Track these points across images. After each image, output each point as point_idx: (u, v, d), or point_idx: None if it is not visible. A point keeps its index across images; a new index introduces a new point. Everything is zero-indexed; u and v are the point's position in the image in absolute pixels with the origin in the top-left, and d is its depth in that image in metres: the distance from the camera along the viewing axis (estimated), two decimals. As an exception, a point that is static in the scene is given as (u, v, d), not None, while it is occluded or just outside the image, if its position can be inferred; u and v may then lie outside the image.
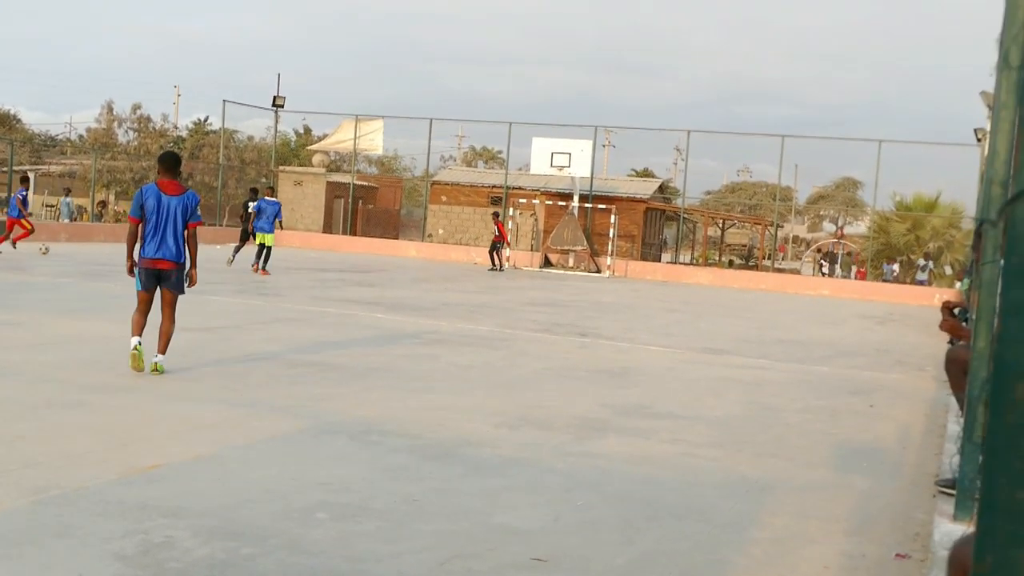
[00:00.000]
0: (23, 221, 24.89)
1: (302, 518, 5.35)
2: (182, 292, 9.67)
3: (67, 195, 40.20)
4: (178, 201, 9.40)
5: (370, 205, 47.15)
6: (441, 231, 42.78)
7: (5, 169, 38.01)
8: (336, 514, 5.46)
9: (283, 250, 37.07)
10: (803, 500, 6.61)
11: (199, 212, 9.50)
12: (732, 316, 21.86)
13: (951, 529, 5.31)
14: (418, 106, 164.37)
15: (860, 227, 64.79)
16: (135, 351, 9.37)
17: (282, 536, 5.04)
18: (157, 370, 9.39)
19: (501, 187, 41.71)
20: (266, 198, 24.60)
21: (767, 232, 48.87)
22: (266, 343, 11.94)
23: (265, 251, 23.46)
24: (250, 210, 25.26)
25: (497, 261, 34.56)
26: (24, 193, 25.00)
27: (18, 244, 25.25)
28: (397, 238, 45.77)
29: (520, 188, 42.01)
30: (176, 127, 64.24)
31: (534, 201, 40.34)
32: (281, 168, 46.62)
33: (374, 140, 43.33)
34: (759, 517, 6.12)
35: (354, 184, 44.32)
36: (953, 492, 5.78)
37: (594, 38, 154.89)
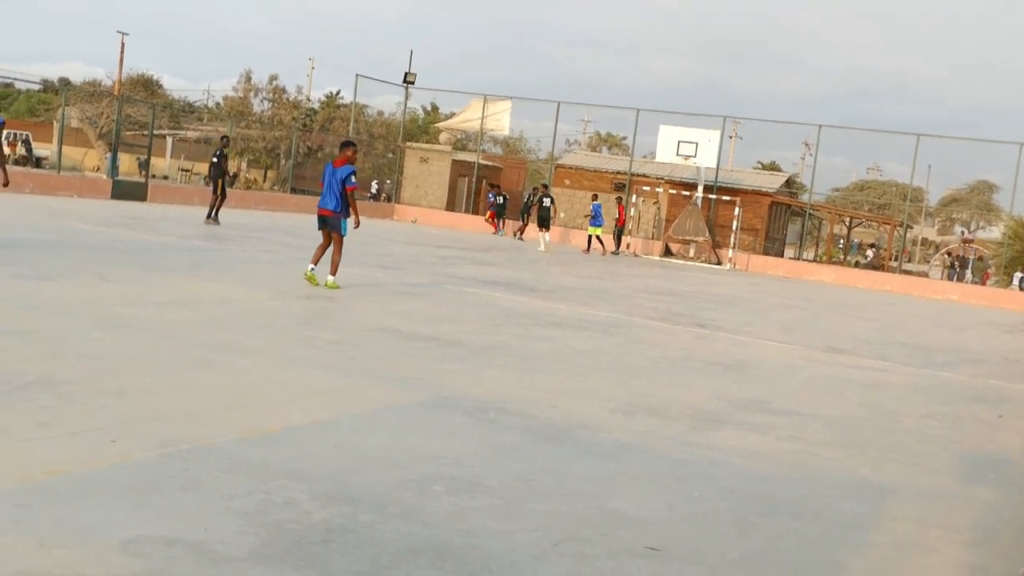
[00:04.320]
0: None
1: (418, 489, 5.39)
2: (341, 233, 13.80)
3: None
4: (340, 171, 13.71)
5: (496, 185, 47.59)
6: (563, 214, 42.61)
7: (146, 133, 39.15)
8: (451, 488, 5.50)
9: (402, 225, 37.58)
10: (924, 507, 6.42)
11: (352, 179, 13.72)
12: (854, 316, 21.35)
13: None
14: (545, 88, 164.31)
15: (993, 232, 62.58)
16: (308, 274, 13.84)
17: (398, 505, 5.09)
18: (328, 285, 13.66)
19: (625, 173, 41.57)
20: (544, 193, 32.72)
21: (895, 233, 47.53)
22: (385, 316, 12.09)
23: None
24: (536, 201, 33.23)
25: (613, 245, 35.22)
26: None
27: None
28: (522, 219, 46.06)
29: (644, 175, 41.82)
30: (309, 99, 65.42)
31: (657, 189, 39.92)
32: (408, 144, 47.15)
33: (501, 120, 43.84)
34: (879, 521, 5.96)
35: (479, 163, 44.41)
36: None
37: (724, 27, 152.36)
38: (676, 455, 6.92)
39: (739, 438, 7.71)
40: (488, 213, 40.49)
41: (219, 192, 24.79)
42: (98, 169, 52.08)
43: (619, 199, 36.00)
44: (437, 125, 55.47)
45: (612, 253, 34.60)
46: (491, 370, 9.31)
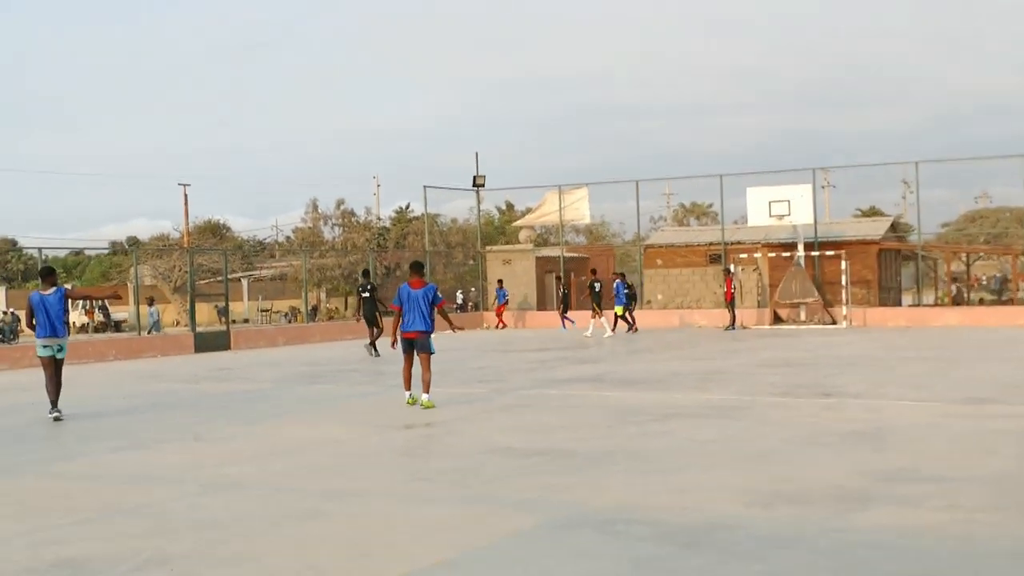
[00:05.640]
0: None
1: (558, 621, 5.32)
2: (430, 351, 14.50)
3: (151, 304, 41.24)
4: (422, 292, 14.36)
5: (583, 277, 47.43)
6: (660, 296, 42.37)
7: (221, 279, 40.26)
8: (592, 615, 5.41)
9: (493, 333, 37.76)
10: (1111, 566, 6.14)
11: (438, 295, 14.58)
12: (991, 359, 20.78)
13: None
14: (622, 167, 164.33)
15: None
16: (409, 400, 14.73)
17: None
18: (424, 405, 14.36)
19: (719, 244, 40.97)
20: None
21: (1019, 261, 46.38)
22: (493, 433, 12.11)
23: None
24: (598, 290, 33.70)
25: (731, 319, 35.23)
26: None
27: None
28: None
29: (739, 243, 41.32)
30: (379, 218, 66.63)
31: (756, 255, 39.40)
32: (488, 248, 47.39)
33: (580, 209, 43.80)
34: (1062, 589, 5.72)
35: (563, 256, 44.57)
36: None
37: (803, 75, 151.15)
38: (827, 544, 6.75)
39: (891, 515, 7.50)
40: (497, 307, 41.99)
41: (378, 325, 26.50)
42: (177, 324, 53.48)
43: (727, 271, 35.93)
44: (515, 224, 55.60)
45: (729, 328, 34.75)
46: (612, 477, 9.23)
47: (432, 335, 14.53)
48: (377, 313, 26.63)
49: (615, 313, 34.09)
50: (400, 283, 15.62)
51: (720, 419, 12.78)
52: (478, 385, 17.75)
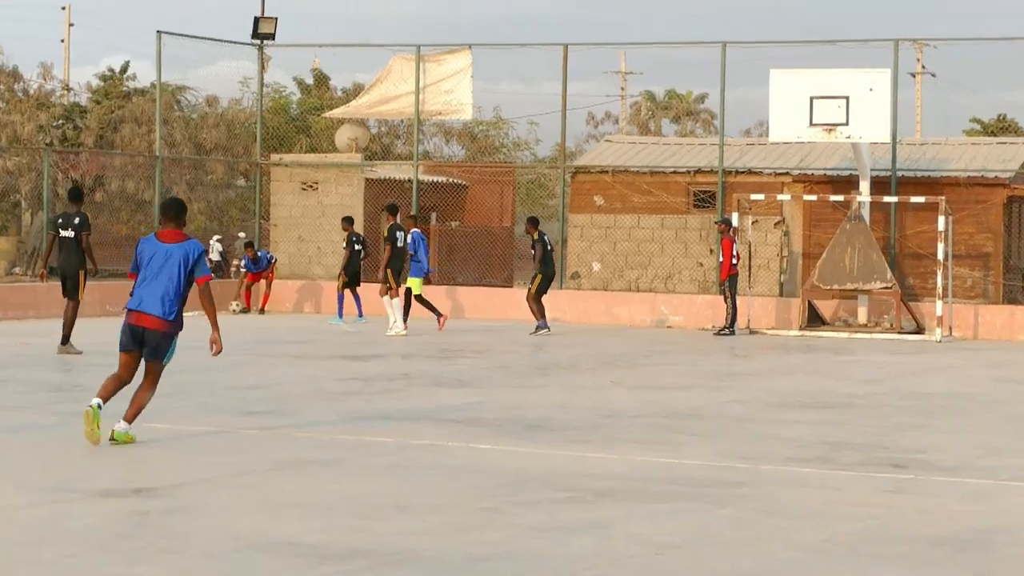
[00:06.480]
0: None
1: None
2: (164, 360, 9.57)
3: None
4: (180, 252, 9.42)
5: (453, 222, 29.58)
6: (597, 266, 26.61)
7: None
8: None
9: (280, 319, 25.05)
10: None
11: (206, 264, 9.70)
12: None
13: None
14: (537, 21, 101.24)
15: None
16: (90, 418, 9.08)
17: None
18: (120, 439, 9.28)
19: (711, 171, 25.70)
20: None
21: None
22: (266, 513, 7.28)
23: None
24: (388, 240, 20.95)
25: (728, 314, 22.42)
26: None
27: None
28: (511, 284, 29.08)
29: (750, 172, 25.78)
30: (68, 88, 42.76)
31: (780, 196, 24.61)
32: (277, 158, 30.11)
33: (455, 92, 26.63)
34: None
35: (418, 182, 26.93)
36: None
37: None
38: None
39: None
40: (245, 276, 25.56)
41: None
42: None
43: (725, 223, 22.90)
44: (329, 114, 32.24)
45: (726, 331, 22.10)
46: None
47: (178, 331, 9.53)
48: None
49: (409, 289, 21.27)
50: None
51: (690, 502, 7.98)
52: (243, 418, 11.64)
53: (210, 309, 9.45)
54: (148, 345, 9.24)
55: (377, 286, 21.11)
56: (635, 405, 13.23)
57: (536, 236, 21.52)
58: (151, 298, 9.15)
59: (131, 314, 9.24)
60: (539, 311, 21.17)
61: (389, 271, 20.40)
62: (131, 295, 9.27)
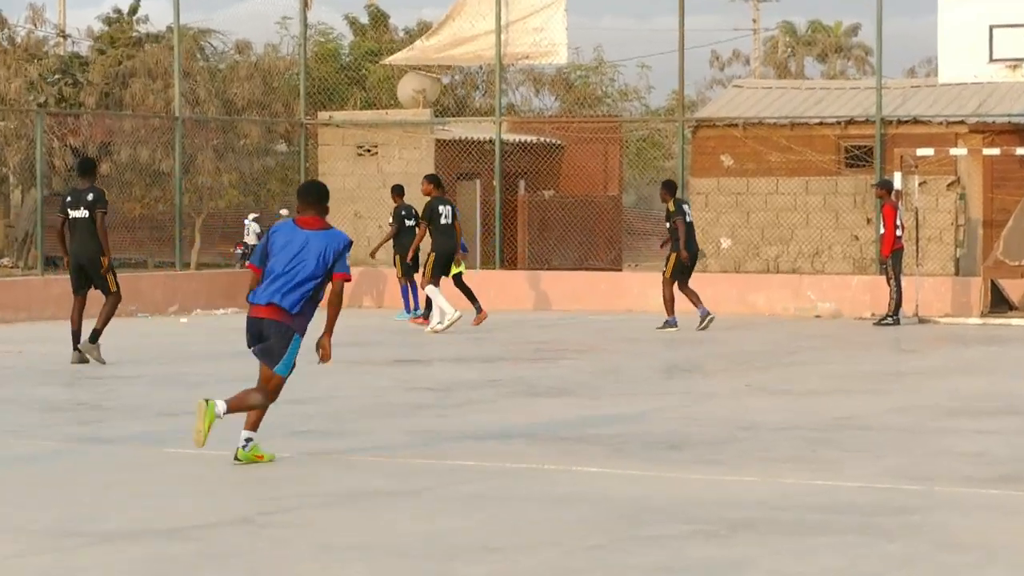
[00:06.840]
0: None
1: None
2: (284, 371, 8.61)
3: None
4: (321, 242, 8.52)
5: (546, 191, 26.54)
6: (726, 242, 23.59)
7: None
8: None
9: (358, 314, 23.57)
10: None
11: (347, 259, 8.70)
12: None
13: None
14: None
15: None
16: (206, 418, 8.31)
17: None
18: (245, 457, 8.49)
19: (865, 121, 22.31)
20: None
21: None
22: (327, 556, 6.12)
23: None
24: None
25: (892, 299, 19.06)
26: None
27: None
28: (619, 266, 26.49)
29: (916, 121, 22.22)
30: (64, 35, 37.36)
31: (954, 151, 21.27)
32: (322, 116, 26.14)
33: (546, 32, 23.07)
34: None
35: (501, 142, 22.87)
36: None
37: None
38: None
39: None
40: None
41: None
42: None
43: (885, 186, 19.37)
44: (389, 60, 27.22)
45: (889, 319, 18.78)
46: None
47: (300, 335, 8.53)
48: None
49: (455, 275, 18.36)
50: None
51: (851, 536, 6.79)
52: (288, 440, 9.92)
53: (334, 311, 8.69)
54: (263, 340, 8.40)
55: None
56: (778, 415, 11.66)
57: (673, 207, 17.89)
58: (271, 287, 8.33)
59: (251, 307, 8.49)
60: (670, 302, 17.89)
61: (433, 255, 17.50)
62: (254, 289, 8.40)
